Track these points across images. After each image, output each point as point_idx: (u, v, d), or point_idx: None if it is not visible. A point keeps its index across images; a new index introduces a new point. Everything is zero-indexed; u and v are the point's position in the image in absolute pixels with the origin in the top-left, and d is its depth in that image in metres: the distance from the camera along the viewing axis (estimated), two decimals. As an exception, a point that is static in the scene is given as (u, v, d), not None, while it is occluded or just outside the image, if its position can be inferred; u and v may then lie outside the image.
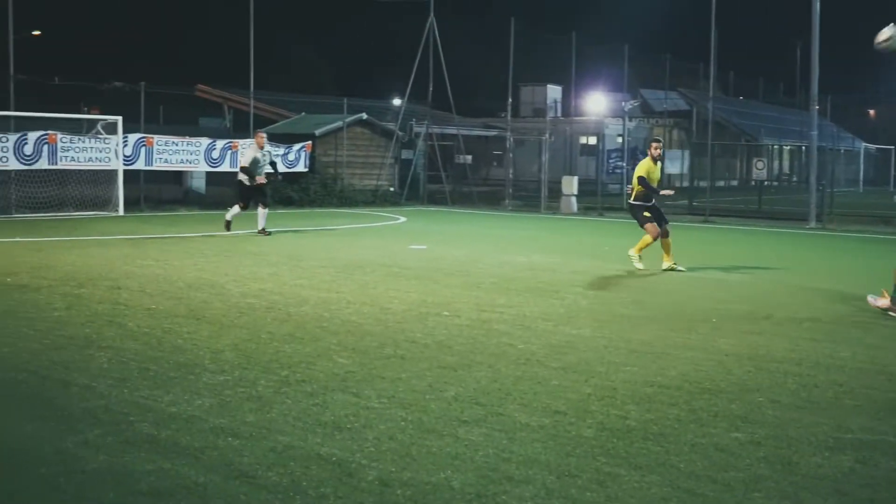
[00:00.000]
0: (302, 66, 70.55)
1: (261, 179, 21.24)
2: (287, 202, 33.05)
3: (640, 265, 15.30)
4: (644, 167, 15.66)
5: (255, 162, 20.77)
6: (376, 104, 45.18)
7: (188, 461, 5.47)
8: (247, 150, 22.93)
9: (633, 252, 15.51)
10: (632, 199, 15.88)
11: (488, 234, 23.08)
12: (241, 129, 37.04)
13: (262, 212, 20.75)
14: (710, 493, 5.14)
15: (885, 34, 14.12)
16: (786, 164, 61.81)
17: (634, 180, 15.70)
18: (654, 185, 15.70)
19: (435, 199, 37.65)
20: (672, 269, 15.29)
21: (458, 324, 10.02)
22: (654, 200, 15.74)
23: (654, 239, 15.34)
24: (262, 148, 21.08)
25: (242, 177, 20.94)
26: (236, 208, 21.06)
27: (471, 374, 7.71)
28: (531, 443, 5.92)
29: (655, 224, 15.42)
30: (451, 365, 8.01)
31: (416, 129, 39.27)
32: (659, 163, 15.90)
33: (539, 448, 5.82)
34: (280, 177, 24.64)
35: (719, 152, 46.63)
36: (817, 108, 31.20)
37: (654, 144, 16.02)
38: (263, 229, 20.65)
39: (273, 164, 21.57)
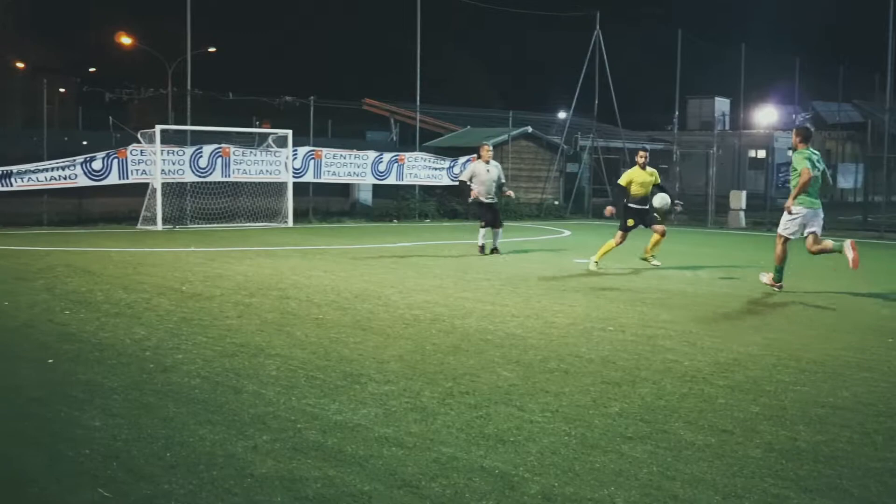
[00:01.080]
0: (467, 79, 71.18)
1: (509, 193, 21.23)
2: (452, 215, 33.36)
3: (594, 267, 16.56)
4: (628, 175, 17.16)
5: (475, 176, 19.72)
6: (541, 117, 45.20)
7: (353, 469, 5.55)
8: (469, 164, 21.62)
9: (594, 258, 16.79)
10: (627, 202, 17.08)
11: (653, 249, 22.78)
12: (407, 142, 37.57)
13: (495, 231, 19.88)
14: (886, 520, 4.96)
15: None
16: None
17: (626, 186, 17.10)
18: (647, 190, 16.97)
19: (600, 213, 37.31)
20: (644, 260, 17.31)
21: (623, 339, 9.92)
22: (648, 204, 17.02)
23: (617, 245, 16.84)
24: (487, 162, 19.83)
25: (475, 193, 19.70)
26: (481, 231, 19.93)
27: (635, 390, 7.62)
28: (697, 461, 5.82)
29: (626, 234, 16.94)
30: (616, 380, 7.94)
31: (582, 142, 39.18)
32: (650, 169, 17.15)
33: (705, 467, 5.72)
34: (509, 191, 21.63)
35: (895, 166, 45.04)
36: None
37: (639, 153, 17.25)
38: (495, 248, 19.80)
39: (501, 183, 20.24)
